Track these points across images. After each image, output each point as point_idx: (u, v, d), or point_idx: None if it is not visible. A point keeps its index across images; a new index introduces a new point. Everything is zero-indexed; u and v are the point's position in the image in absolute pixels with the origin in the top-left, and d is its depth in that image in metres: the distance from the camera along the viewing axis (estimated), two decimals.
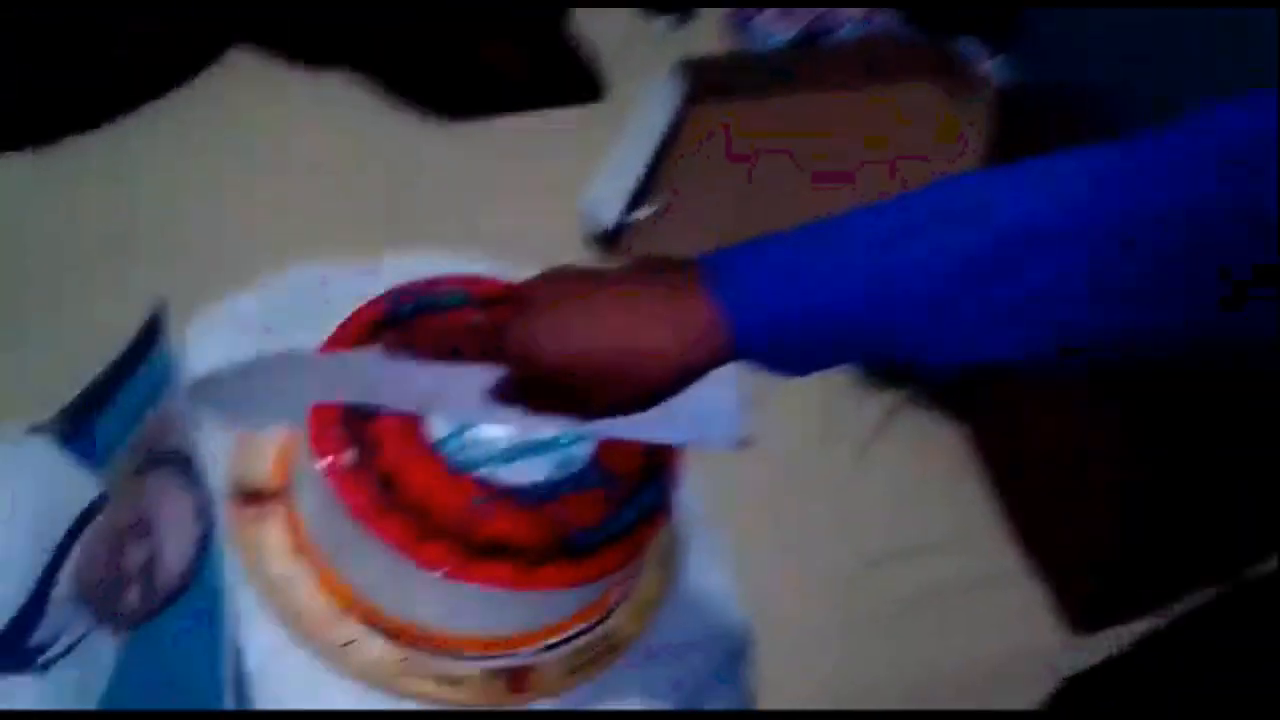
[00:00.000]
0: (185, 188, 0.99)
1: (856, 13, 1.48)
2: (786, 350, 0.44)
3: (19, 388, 0.80)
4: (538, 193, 1.12)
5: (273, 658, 0.59)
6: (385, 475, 0.56)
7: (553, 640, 0.63)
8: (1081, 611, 0.98)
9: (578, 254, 1.11)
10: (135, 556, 0.64)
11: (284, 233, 0.93)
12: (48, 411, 0.76)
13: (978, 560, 1.00)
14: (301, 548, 0.61)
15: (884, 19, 1.49)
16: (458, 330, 0.51)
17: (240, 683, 0.59)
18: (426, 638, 0.60)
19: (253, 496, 0.63)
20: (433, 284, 0.66)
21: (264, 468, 0.64)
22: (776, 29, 1.44)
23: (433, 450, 0.58)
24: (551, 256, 0.96)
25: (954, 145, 1.09)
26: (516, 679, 0.62)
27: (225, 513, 0.63)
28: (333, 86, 1.12)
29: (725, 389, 0.54)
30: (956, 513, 1.05)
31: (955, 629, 0.96)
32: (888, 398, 1.05)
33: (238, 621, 0.61)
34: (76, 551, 0.66)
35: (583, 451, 0.61)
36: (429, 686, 0.60)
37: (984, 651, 0.95)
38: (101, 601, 0.63)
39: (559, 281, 0.48)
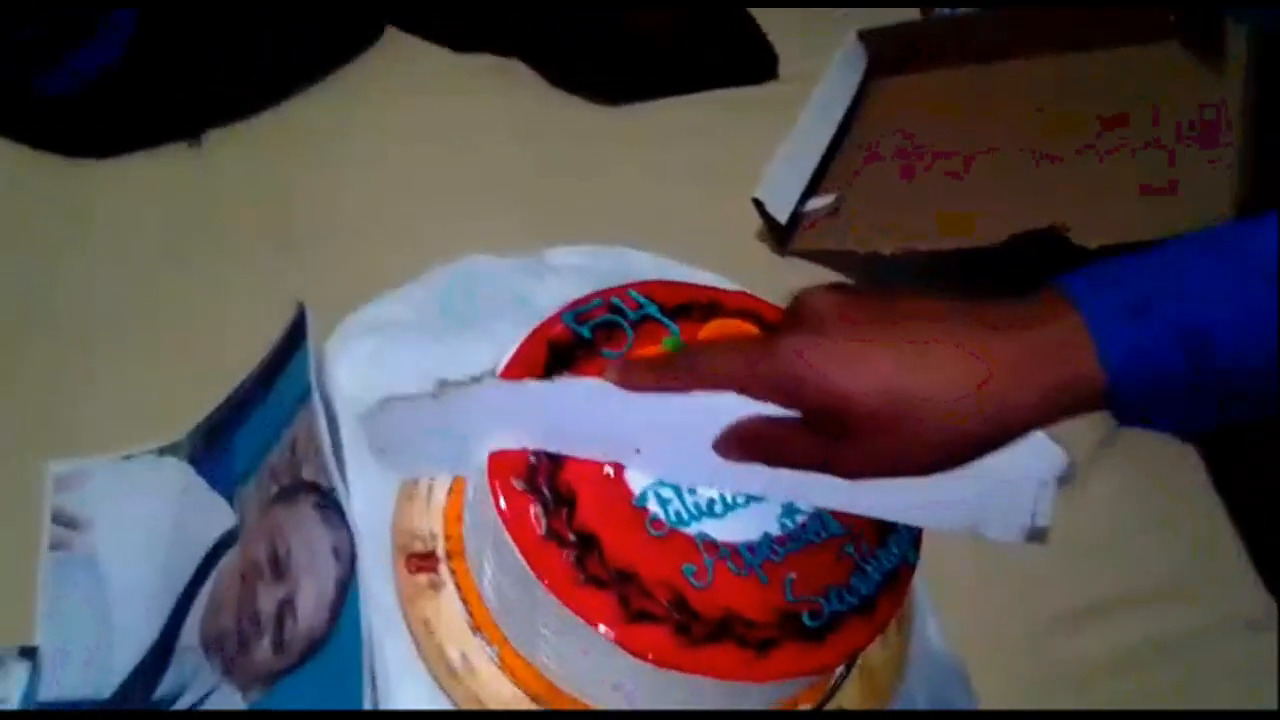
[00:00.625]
0: (338, 181, 0.92)
1: None
2: (1191, 384, 0.35)
3: (150, 401, 0.73)
4: (707, 181, 1.00)
5: None
6: (584, 538, 0.46)
7: None
8: None
9: (750, 249, 0.99)
10: (268, 602, 0.56)
11: (439, 226, 0.84)
12: (180, 428, 0.69)
13: (1218, 605, 0.83)
14: (481, 624, 0.51)
15: None
16: (704, 352, 0.43)
17: None
18: None
19: (423, 559, 0.53)
20: (613, 293, 0.56)
21: (434, 523, 0.54)
22: None
23: (635, 505, 0.47)
24: (722, 251, 0.87)
25: (1205, 115, 0.92)
26: None
27: (395, 579, 0.53)
28: (489, 71, 1.04)
29: (1029, 459, 0.42)
30: (1185, 548, 0.88)
31: (1185, 687, 0.78)
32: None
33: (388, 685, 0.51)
34: (205, 592, 0.58)
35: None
36: None
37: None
38: (230, 652, 0.55)
39: (855, 300, 0.40)
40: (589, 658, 0.47)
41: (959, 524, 0.46)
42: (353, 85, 1.03)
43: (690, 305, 0.57)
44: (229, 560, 0.60)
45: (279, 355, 0.63)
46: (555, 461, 0.48)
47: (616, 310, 0.55)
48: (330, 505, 0.55)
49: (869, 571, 0.48)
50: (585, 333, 0.54)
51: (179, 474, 0.66)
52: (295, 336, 0.61)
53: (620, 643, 0.44)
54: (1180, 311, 0.36)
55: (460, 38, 1.06)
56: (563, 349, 0.53)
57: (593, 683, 0.48)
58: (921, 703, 0.57)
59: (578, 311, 0.55)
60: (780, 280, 0.83)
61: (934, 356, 0.37)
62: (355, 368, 0.61)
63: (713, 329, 0.54)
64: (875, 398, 0.37)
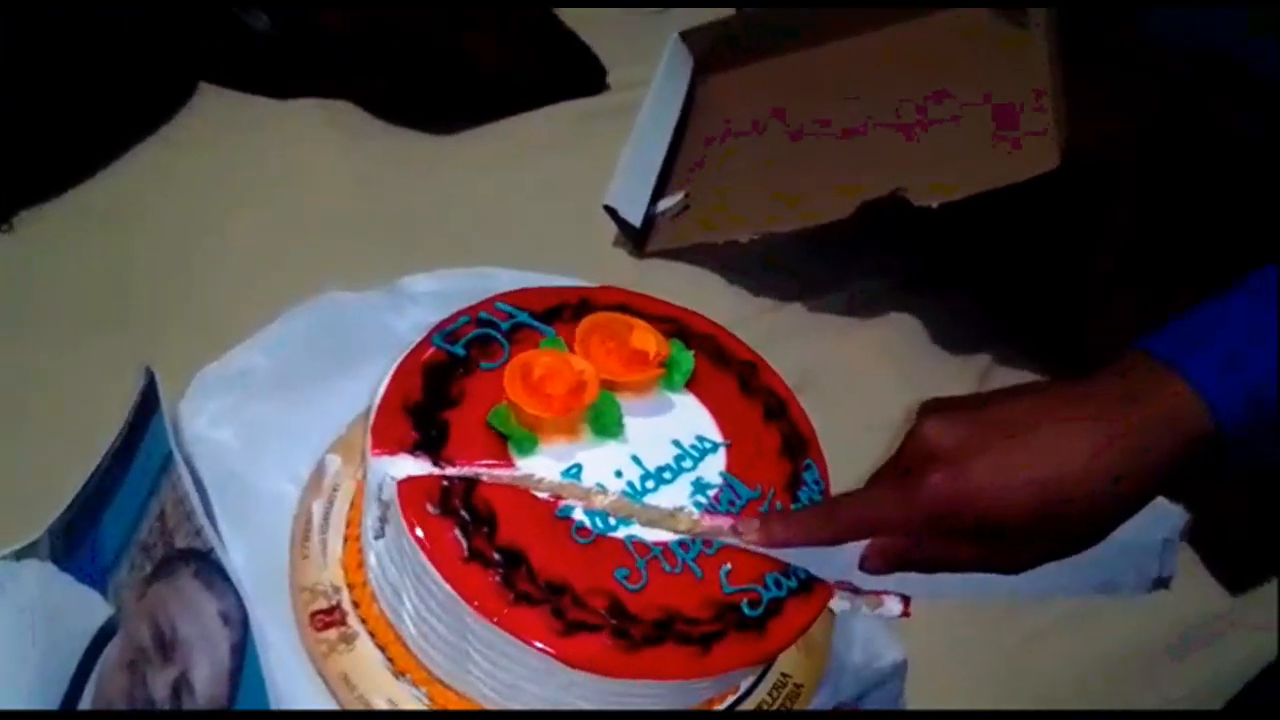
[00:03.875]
0: (172, 243, 0.87)
1: None
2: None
3: None
4: (555, 195, 1.00)
5: None
6: (509, 555, 0.45)
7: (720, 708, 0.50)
8: None
9: (609, 255, 0.99)
10: (160, 687, 0.52)
11: (287, 274, 0.80)
12: (35, 526, 0.64)
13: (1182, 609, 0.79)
14: (404, 667, 0.48)
15: None
16: (844, 504, 0.47)
17: None
18: None
19: (329, 614, 0.50)
20: (480, 308, 0.54)
21: (333, 576, 0.51)
22: None
23: (559, 516, 0.47)
24: (582, 260, 0.86)
25: (1012, 75, 0.97)
26: None
27: (302, 639, 0.50)
28: (317, 115, 1.00)
29: (1152, 520, 0.45)
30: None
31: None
32: None
33: None
34: (89, 694, 0.54)
35: (712, 473, 0.50)
36: None
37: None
38: None
39: (969, 420, 0.44)
40: (528, 679, 0.45)
41: (1095, 588, 0.49)
42: (173, 145, 0.98)
43: (560, 307, 0.56)
44: (111, 653, 0.56)
45: (134, 428, 0.58)
46: (469, 482, 0.46)
47: (486, 324, 0.54)
48: (211, 570, 0.51)
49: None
50: (459, 350, 0.52)
51: (40, 575, 0.61)
52: (147, 404, 0.57)
53: (559, 657, 0.43)
54: (1268, 356, 0.41)
55: (281, 85, 1.03)
56: (438, 370, 0.51)
57: (535, 703, 0.46)
58: (857, 655, 0.57)
59: (446, 332, 0.53)
60: (644, 281, 0.82)
61: (1064, 454, 0.41)
62: (214, 424, 0.57)
63: (588, 325, 0.53)
64: (1024, 509, 0.42)
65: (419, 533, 0.45)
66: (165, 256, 0.87)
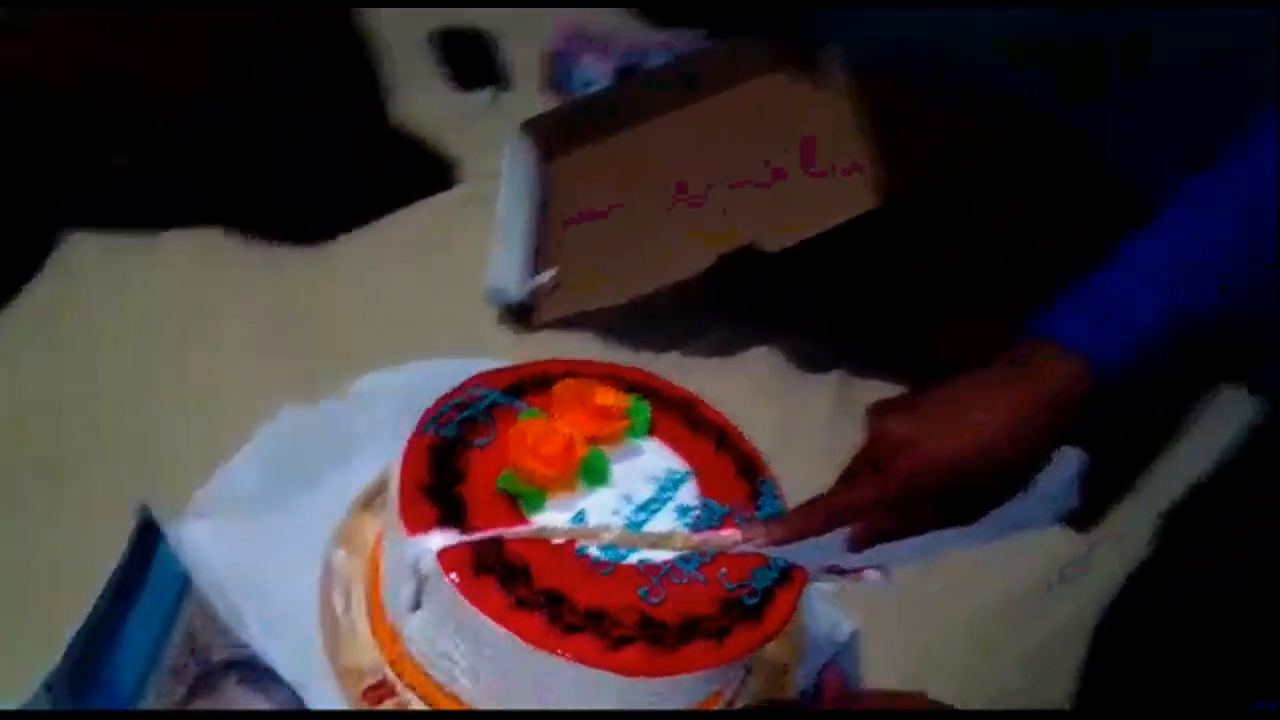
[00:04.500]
0: (73, 386, 0.88)
1: (660, 37, 1.51)
2: (1139, 360, 0.55)
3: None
4: (436, 286, 1.07)
5: None
6: (550, 595, 0.52)
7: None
8: None
9: (494, 335, 1.06)
10: None
11: (225, 402, 0.83)
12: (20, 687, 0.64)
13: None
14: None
15: (691, 37, 1.52)
16: (828, 498, 0.57)
17: None
18: None
19: (378, 688, 0.55)
20: (454, 395, 0.61)
21: (373, 654, 0.57)
22: (595, 72, 1.44)
23: (578, 555, 0.55)
24: (472, 343, 0.93)
25: (822, 129, 1.11)
26: None
27: None
28: (194, 245, 1.03)
29: (1067, 465, 0.58)
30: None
31: None
32: None
33: None
34: None
35: (690, 497, 0.59)
36: None
37: None
38: None
39: (917, 405, 0.56)
40: (575, 696, 0.51)
41: (1018, 528, 0.60)
42: (43, 301, 0.99)
43: (522, 383, 0.63)
44: None
45: (133, 563, 0.61)
46: (496, 542, 0.53)
47: (465, 408, 0.61)
48: (258, 674, 0.55)
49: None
50: (452, 433, 0.59)
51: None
52: (148, 537, 0.60)
53: (613, 669, 0.50)
54: (1125, 312, 0.55)
55: (153, 219, 1.05)
56: (440, 453, 0.58)
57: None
58: (822, 631, 0.66)
59: (435, 419, 0.59)
60: (534, 354, 0.89)
61: (995, 425, 0.54)
62: (216, 541, 0.61)
63: (560, 393, 0.61)
64: (974, 471, 0.54)
65: (467, 593, 0.51)
66: (76, 401, 0.88)
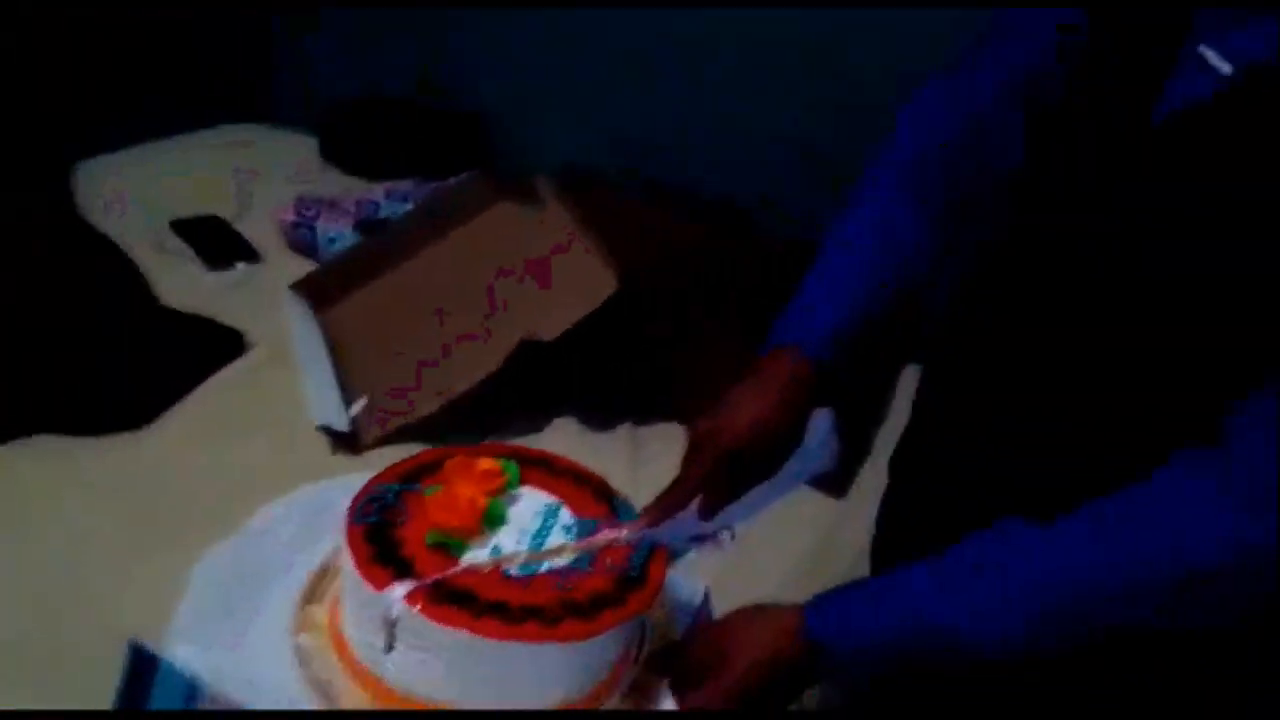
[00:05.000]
0: None
1: (380, 189, 1.72)
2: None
3: None
4: (267, 438, 1.20)
5: None
6: (496, 605, 0.70)
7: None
8: None
9: (335, 461, 1.21)
10: None
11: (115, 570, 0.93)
12: None
13: None
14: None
15: (406, 186, 1.74)
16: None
17: None
18: None
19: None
20: (362, 496, 0.78)
21: (358, 696, 0.72)
22: (335, 229, 1.63)
23: (504, 576, 0.73)
24: (316, 474, 1.07)
25: (553, 234, 1.36)
26: None
27: None
28: (22, 451, 1.11)
29: (821, 423, 0.80)
30: None
31: None
32: None
33: None
34: None
35: (566, 520, 0.79)
36: None
37: None
38: None
39: (718, 405, 0.80)
40: (532, 670, 0.70)
41: (799, 479, 0.82)
42: None
43: (417, 469, 0.82)
44: None
45: (130, 693, 0.72)
46: (441, 581, 0.70)
47: (377, 499, 0.78)
48: None
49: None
50: (375, 518, 0.76)
51: None
52: (142, 668, 0.72)
53: (554, 640, 0.69)
54: (815, 313, 0.80)
55: None
56: (373, 530, 0.75)
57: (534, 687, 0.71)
58: (683, 596, 0.87)
59: (358, 512, 0.76)
60: (383, 463, 1.02)
61: (762, 403, 0.80)
62: (201, 663, 0.74)
63: (450, 469, 0.79)
64: (761, 431, 0.78)
65: (435, 618, 0.68)
66: None
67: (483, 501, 0.77)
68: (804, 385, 0.80)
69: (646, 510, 0.79)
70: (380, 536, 0.74)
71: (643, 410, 1.32)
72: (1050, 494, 0.71)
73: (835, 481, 1.27)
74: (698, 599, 0.88)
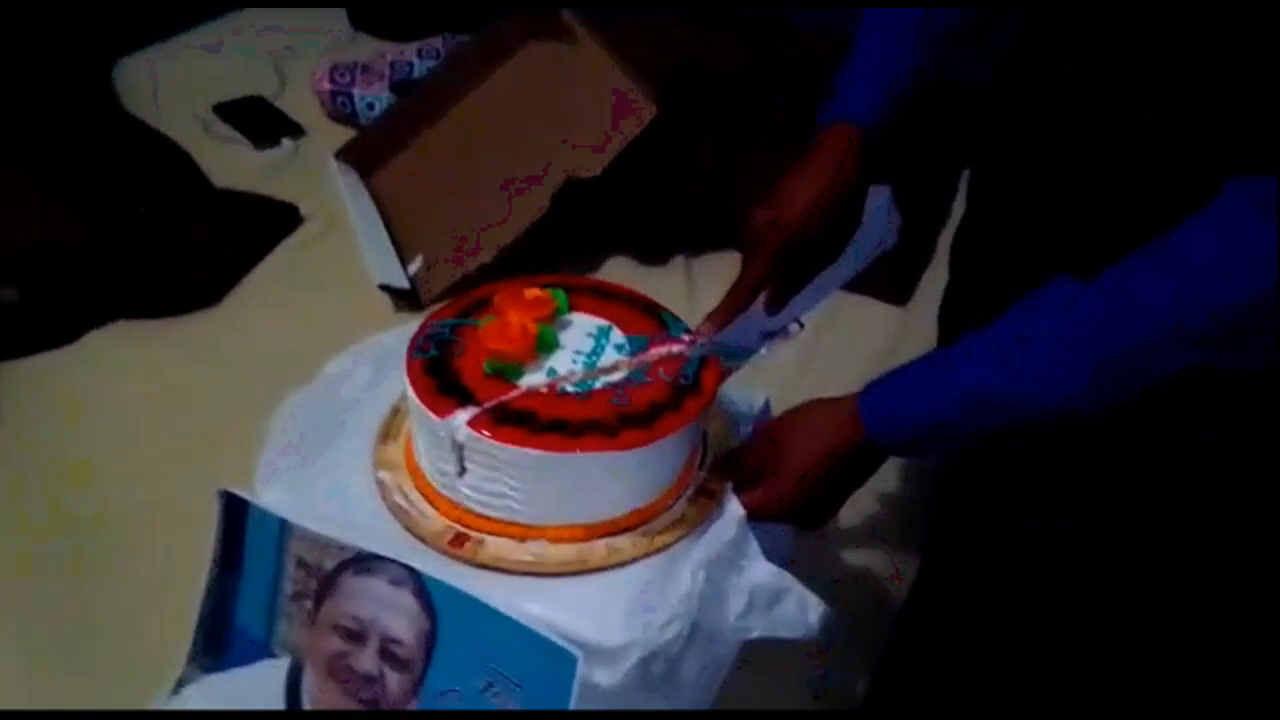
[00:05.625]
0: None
1: (410, 49, 1.70)
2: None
3: None
4: (337, 301, 1.24)
5: None
6: (557, 422, 0.72)
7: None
8: None
9: (399, 319, 1.24)
10: (367, 661, 0.73)
11: (204, 444, 0.98)
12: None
13: None
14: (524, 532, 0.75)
15: (437, 43, 1.72)
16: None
17: None
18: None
19: (457, 540, 0.75)
20: (421, 331, 0.80)
21: (439, 522, 0.76)
22: (372, 93, 1.62)
23: (560, 394, 0.75)
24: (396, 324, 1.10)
25: (587, 71, 1.34)
26: None
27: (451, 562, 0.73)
28: (102, 341, 1.17)
29: (880, 198, 0.80)
30: None
31: None
32: None
33: None
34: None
35: (618, 339, 0.80)
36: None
37: None
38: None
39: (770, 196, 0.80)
40: (599, 479, 0.73)
41: (865, 259, 0.83)
42: None
43: (471, 304, 0.83)
44: (309, 682, 0.75)
45: (228, 535, 0.77)
46: (502, 404, 0.73)
47: (433, 336, 0.80)
48: (365, 560, 0.73)
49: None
50: (434, 352, 0.78)
51: (206, 691, 0.78)
52: (236, 509, 0.77)
53: (614, 449, 0.71)
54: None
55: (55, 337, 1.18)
56: (433, 364, 0.77)
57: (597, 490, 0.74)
58: (742, 408, 0.89)
59: (416, 350, 0.78)
60: None
61: (817, 182, 0.80)
62: (293, 501, 0.78)
63: (501, 300, 0.81)
64: (815, 213, 0.79)
65: (500, 438, 0.71)
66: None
67: (534, 327, 0.78)
68: (857, 158, 0.79)
69: (711, 315, 0.79)
70: (440, 369, 0.77)
71: (696, 239, 1.31)
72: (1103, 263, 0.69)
73: (898, 288, 1.26)
74: (757, 405, 0.90)
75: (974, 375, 0.70)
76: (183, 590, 0.78)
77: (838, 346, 1.14)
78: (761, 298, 0.81)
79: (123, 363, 1.15)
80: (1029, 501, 0.87)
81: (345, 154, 1.44)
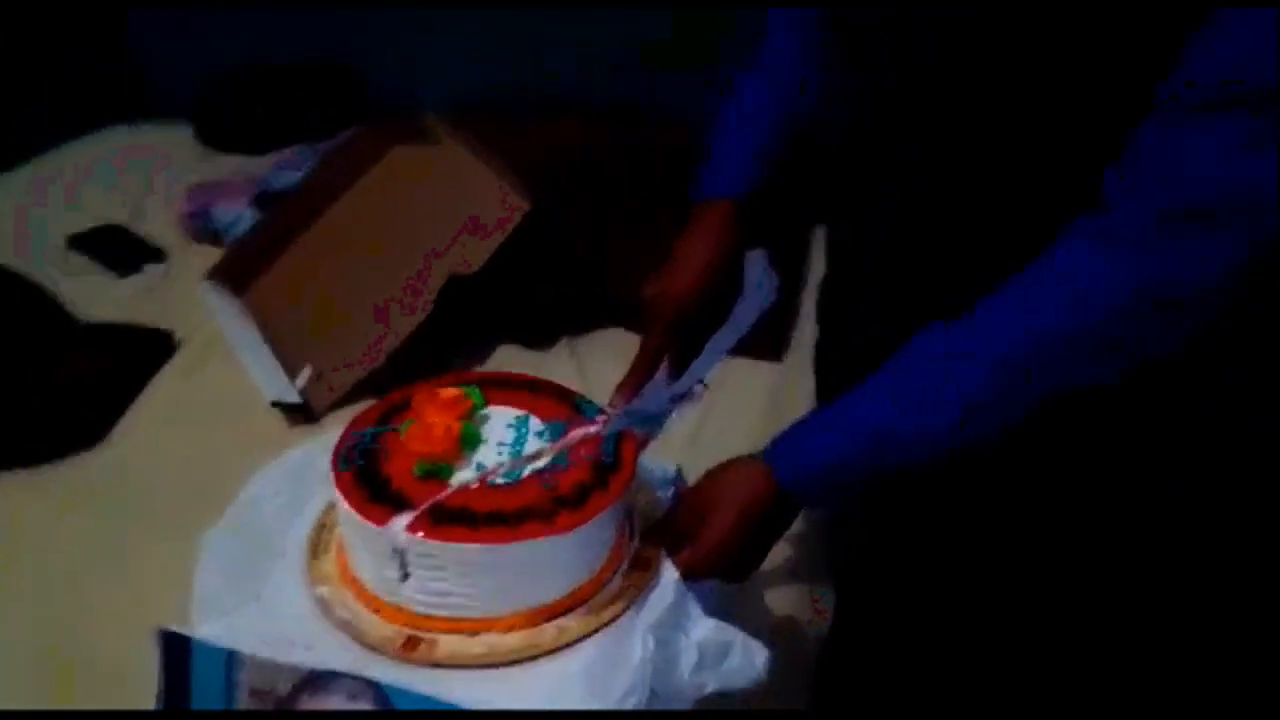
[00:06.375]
0: None
1: (266, 162, 1.70)
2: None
3: None
4: (226, 421, 1.22)
5: None
6: (491, 515, 0.75)
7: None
8: None
9: (292, 433, 1.23)
10: None
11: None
12: None
13: None
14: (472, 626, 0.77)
15: (293, 153, 1.73)
16: None
17: None
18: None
19: (409, 644, 0.76)
20: (341, 444, 0.81)
21: (388, 627, 0.77)
22: (233, 210, 1.62)
23: (490, 486, 0.77)
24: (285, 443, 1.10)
25: (456, 170, 1.38)
26: None
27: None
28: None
29: (757, 261, 0.85)
30: None
31: None
32: None
33: None
34: None
35: (537, 426, 0.84)
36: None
37: None
38: None
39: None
40: (542, 563, 0.75)
41: (749, 322, 0.85)
42: None
43: (388, 411, 0.85)
44: None
45: (172, 678, 0.76)
46: (438, 504, 0.75)
47: (356, 446, 0.82)
48: (321, 681, 0.73)
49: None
50: (360, 462, 0.80)
51: None
52: (177, 650, 0.75)
53: (553, 534, 0.74)
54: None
55: None
56: (361, 474, 0.79)
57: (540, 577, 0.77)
58: (657, 474, 0.93)
59: (341, 463, 0.80)
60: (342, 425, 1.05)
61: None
62: (232, 634, 0.78)
63: (419, 402, 0.83)
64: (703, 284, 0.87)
65: (440, 538, 0.73)
66: None
67: (456, 426, 0.81)
68: (732, 225, 0.87)
69: (620, 386, 0.83)
70: (370, 478, 0.79)
71: (577, 321, 1.36)
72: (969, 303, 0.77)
73: (772, 345, 1.34)
74: (671, 475, 0.94)
75: (866, 416, 0.77)
76: None
77: (728, 406, 1.20)
78: (664, 365, 0.86)
79: (11, 516, 1.10)
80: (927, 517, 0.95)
81: (216, 274, 1.43)
